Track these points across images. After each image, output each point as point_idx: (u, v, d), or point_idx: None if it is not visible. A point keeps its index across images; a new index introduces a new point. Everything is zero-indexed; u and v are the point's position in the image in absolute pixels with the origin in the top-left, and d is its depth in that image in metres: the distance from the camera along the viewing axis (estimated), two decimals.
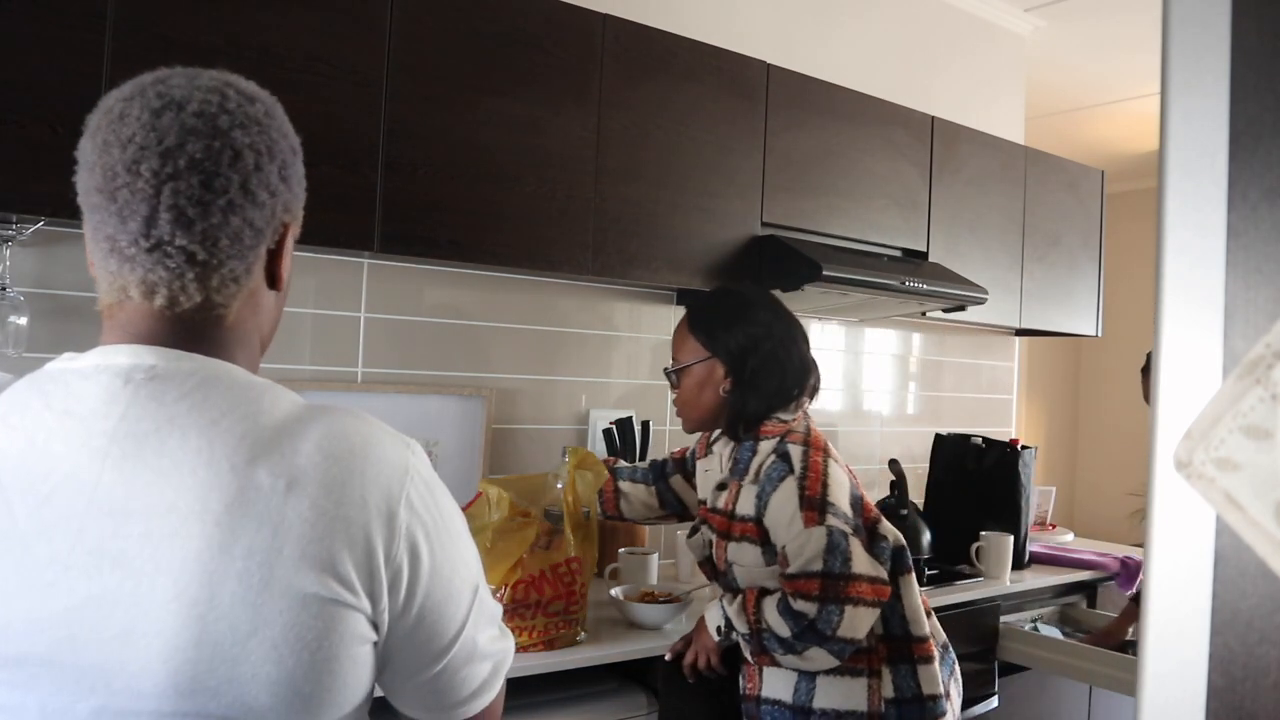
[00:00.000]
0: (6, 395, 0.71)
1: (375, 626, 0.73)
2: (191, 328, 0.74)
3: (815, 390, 1.77)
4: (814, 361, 1.77)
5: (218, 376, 0.72)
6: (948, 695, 1.68)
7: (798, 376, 1.71)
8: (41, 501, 0.66)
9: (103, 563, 0.65)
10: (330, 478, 0.70)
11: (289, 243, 0.79)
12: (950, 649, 1.77)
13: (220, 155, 0.71)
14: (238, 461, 0.68)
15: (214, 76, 0.75)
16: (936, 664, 1.67)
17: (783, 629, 1.53)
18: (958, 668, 1.78)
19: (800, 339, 1.74)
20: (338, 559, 0.69)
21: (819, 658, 1.54)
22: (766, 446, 1.66)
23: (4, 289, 1.70)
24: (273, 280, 0.79)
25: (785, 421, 1.69)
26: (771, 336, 1.70)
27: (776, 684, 1.63)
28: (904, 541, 1.70)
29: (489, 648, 0.84)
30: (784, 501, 1.58)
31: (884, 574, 1.56)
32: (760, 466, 1.65)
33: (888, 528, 1.69)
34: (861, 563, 1.53)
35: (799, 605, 1.52)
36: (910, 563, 1.70)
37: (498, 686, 0.86)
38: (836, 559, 1.51)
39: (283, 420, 0.71)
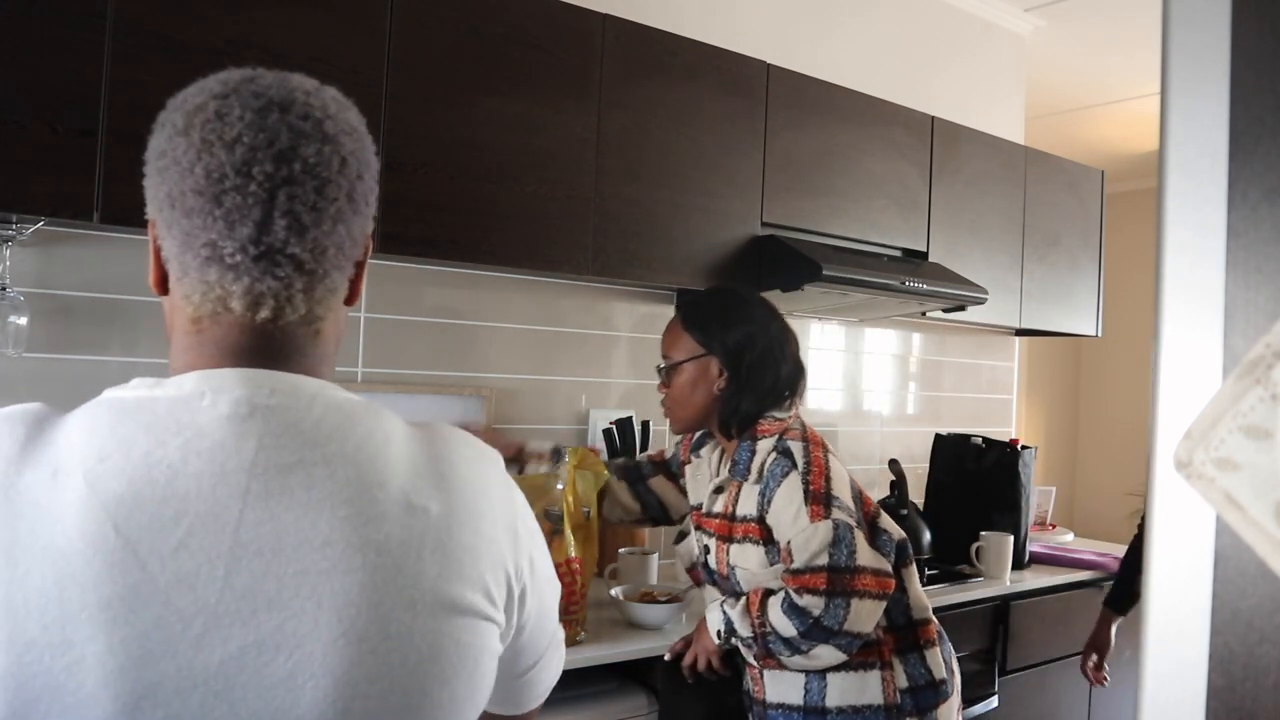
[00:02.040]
0: (85, 432, 0.63)
1: (501, 639, 0.74)
2: (292, 342, 0.70)
3: (803, 392, 1.78)
4: (803, 364, 1.78)
5: (338, 400, 0.69)
6: (952, 674, 1.70)
7: (791, 377, 1.72)
8: (176, 548, 0.60)
9: (257, 606, 0.61)
10: (471, 500, 0.71)
11: (368, 256, 0.77)
12: (943, 632, 1.77)
13: (330, 161, 0.68)
14: (389, 488, 0.66)
15: (303, 79, 0.72)
16: (938, 647, 1.68)
17: (787, 628, 1.51)
18: (953, 650, 1.78)
19: (792, 340, 1.76)
20: (487, 577, 0.70)
21: (826, 655, 1.52)
22: (766, 445, 1.65)
23: (4, 289, 1.70)
24: (353, 295, 0.76)
25: (781, 420, 1.69)
26: (768, 334, 1.70)
27: (782, 687, 1.62)
28: (904, 535, 1.71)
29: (560, 637, 0.88)
30: (789, 497, 1.57)
31: (888, 567, 1.56)
32: (762, 465, 1.64)
33: (888, 522, 1.69)
34: (866, 555, 1.53)
35: (804, 600, 1.50)
36: (911, 555, 1.71)
37: (560, 671, 0.91)
38: (842, 552, 1.51)
39: (408, 442, 0.70)
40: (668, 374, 1.75)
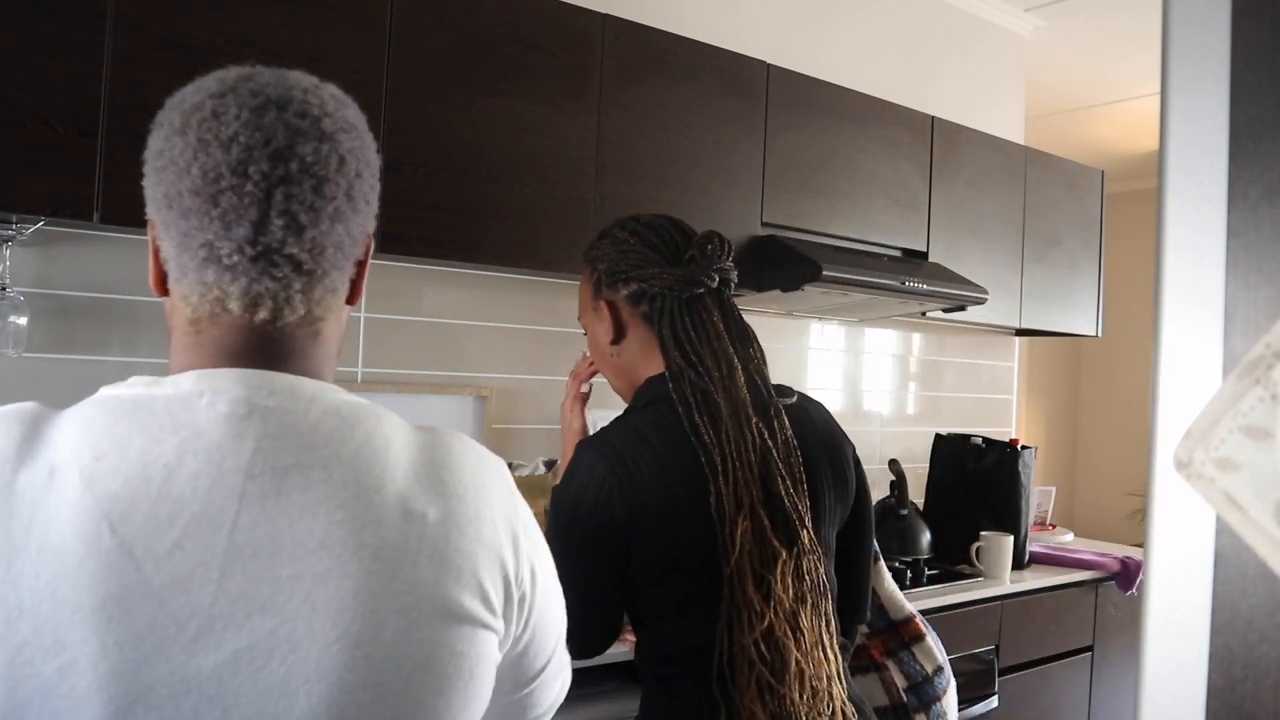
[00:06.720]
0: (81, 430, 0.62)
1: (500, 646, 0.72)
2: (291, 343, 0.69)
3: None
4: None
5: (336, 402, 0.68)
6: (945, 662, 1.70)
7: None
8: (171, 549, 0.59)
9: (251, 610, 0.60)
10: (471, 506, 0.69)
11: (370, 256, 0.76)
12: (928, 622, 1.77)
13: (329, 159, 0.67)
14: (387, 493, 0.65)
15: (302, 76, 0.71)
16: (929, 638, 1.68)
17: None
18: (938, 636, 1.77)
19: None
20: (485, 582, 0.68)
21: None
22: None
23: (4, 289, 1.70)
24: (354, 294, 0.75)
25: None
26: None
27: None
28: None
29: (566, 656, 0.85)
30: None
31: None
32: None
33: None
34: None
35: None
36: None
37: (565, 692, 0.87)
38: None
39: (409, 447, 0.69)
40: None
